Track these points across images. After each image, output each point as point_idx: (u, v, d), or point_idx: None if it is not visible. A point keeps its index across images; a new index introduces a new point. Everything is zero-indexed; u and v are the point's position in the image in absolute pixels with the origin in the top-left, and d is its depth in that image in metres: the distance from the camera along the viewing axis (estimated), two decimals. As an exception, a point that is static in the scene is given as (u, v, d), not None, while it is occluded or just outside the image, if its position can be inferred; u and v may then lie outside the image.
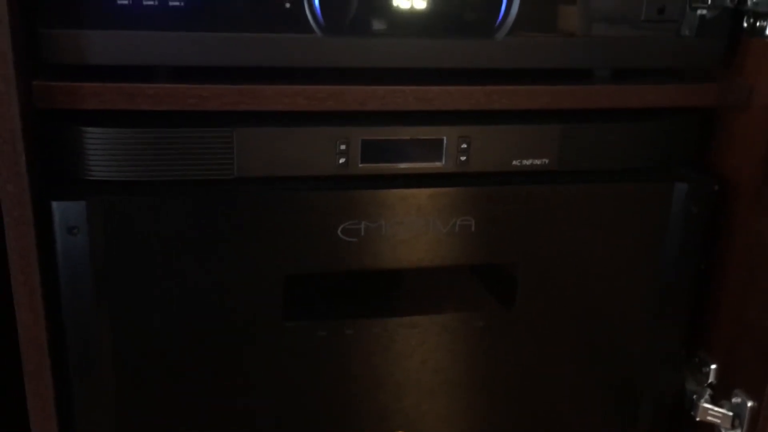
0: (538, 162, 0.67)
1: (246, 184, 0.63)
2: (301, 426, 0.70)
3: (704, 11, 0.67)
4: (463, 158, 0.65)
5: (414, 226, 0.66)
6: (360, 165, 0.64)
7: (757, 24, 0.66)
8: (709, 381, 0.75)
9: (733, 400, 0.71)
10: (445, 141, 0.65)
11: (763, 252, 0.68)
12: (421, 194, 0.65)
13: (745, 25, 0.68)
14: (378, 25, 0.62)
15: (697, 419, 0.74)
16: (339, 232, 0.64)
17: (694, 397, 0.75)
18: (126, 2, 0.57)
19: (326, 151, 0.63)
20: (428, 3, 0.62)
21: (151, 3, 0.57)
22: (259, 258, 0.64)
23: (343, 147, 0.63)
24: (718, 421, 0.72)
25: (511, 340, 0.72)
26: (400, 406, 0.72)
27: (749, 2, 0.65)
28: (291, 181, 0.63)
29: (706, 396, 0.75)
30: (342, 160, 0.64)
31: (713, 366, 0.75)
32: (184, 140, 0.60)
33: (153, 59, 0.59)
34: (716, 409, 0.73)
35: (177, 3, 0.58)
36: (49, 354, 0.61)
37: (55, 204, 0.59)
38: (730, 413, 0.72)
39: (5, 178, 0.55)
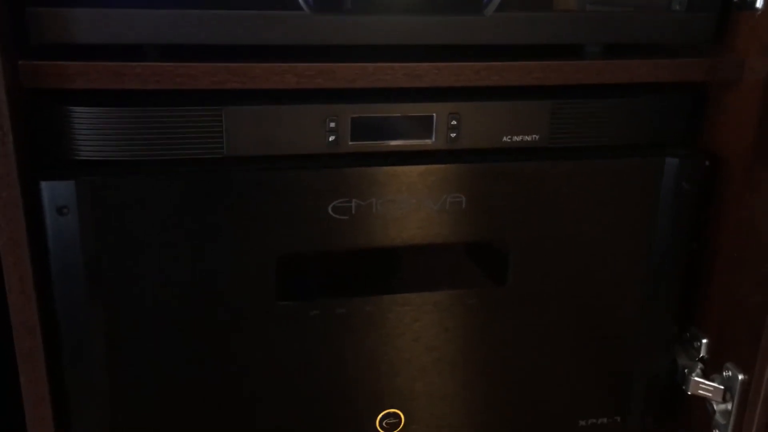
0: (528, 138, 0.67)
1: (236, 163, 0.63)
2: (294, 405, 0.71)
3: (694, -15, 0.67)
4: (453, 135, 0.65)
5: (405, 204, 0.66)
6: (350, 143, 0.64)
7: (747, -3, 0.66)
8: (701, 355, 0.76)
9: (724, 374, 0.72)
10: (434, 118, 0.65)
11: (753, 228, 0.68)
12: (412, 171, 0.65)
13: (736, -1, 0.68)
14: (367, 2, 0.61)
15: (689, 393, 0.75)
16: (330, 210, 0.64)
17: (686, 371, 0.75)
18: (112, -20, 0.57)
19: (316, 129, 0.63)
20: (417, -21, 0.61)
21: (138, -20, 0.57)
22: (251, 237, 0.64)
23: (332, 125, 0.63)
24: (710, 394, 0.73)
25: (503, 318, 0.72)
26: (393, 384, 0.72)
27: (739, -24, 0.65)
28: (281, 160, 0.63)
29: (698, 370, 0.75)
30: (332, 138, 0.64)
31: (704, 341, 0.76)
32: (173, 119, 0.60)
33: (141, 37, 0.59)
34: (707, 383, 0.73)
35: (164, -20, 0.58)
36: (42, 336, 0.61)
37: (44, 184, 0.58)
38: (722, 387, 0.72)
39: (-7, 159, 0.55)
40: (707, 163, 0.71)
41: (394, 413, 0.73)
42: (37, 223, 0.59)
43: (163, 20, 0.58)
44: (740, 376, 0.70)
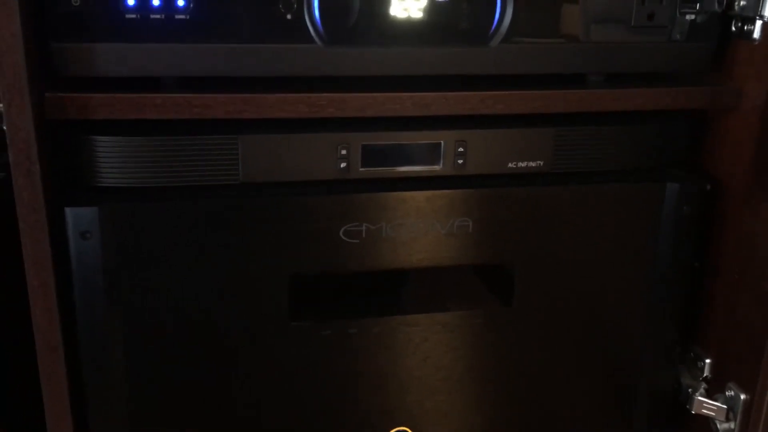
0: (532, 164, 0.69)
1: (251, 189, 0.65)
2: (306, 423, 0.72)
3: (693, 16, 0.69)
4: (460, 161, 0.67)
5: (413, 228, 0.68)
6: (360, 169, 0.66)
7: (745, 28, 0.68)
8: (704, 375, 0.77)
9: (727, 393, 0.73)
10: (442, 145, 0.67)
11: (753, 250, 0.70)
12: (420, 197, 0.67)
13: (734, 29, 0.70)
14: (376, 34, 0.64)
15: (693, 412, 0.76)
16: (341, 234, 0.66)
17: (690, 390, 0.77)
18: (134, 16, 0.59)
19: (328, 156, 0.65)
20: (425, 13, 0.64)
21: (158, 17, 0.60)
22: (265, 260, 0.66)
23: (344, 152, 0.65)
24: (713, 414, 0.74)
25: (510, 337, 0.74)
26: (402, 402, 0.74)
27: (736, 6, 0.67)
28: (294, 186, 0.66)
29: (701, 390, 0.76)
30: (343, 165, 0.66)
31: (708, 360, 0.77)
32: (190, 147, 0.63)
33: (160, 70, 0.61)
34: (711, 402, 0.74)
35: (182, 16, 0.60)
36: (64, 356, 0.63)
37: (68, 210, 0.61)
38: (725, 406, 0.73)
39: (21, 186, 0.58)
40: (708, 187, 0.73)
41: (403, 431, 0.75)
42: (61, 247, 0.62)
43: (180, 54, 0.61)
44: (742, 396, 0.71)
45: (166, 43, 0.61)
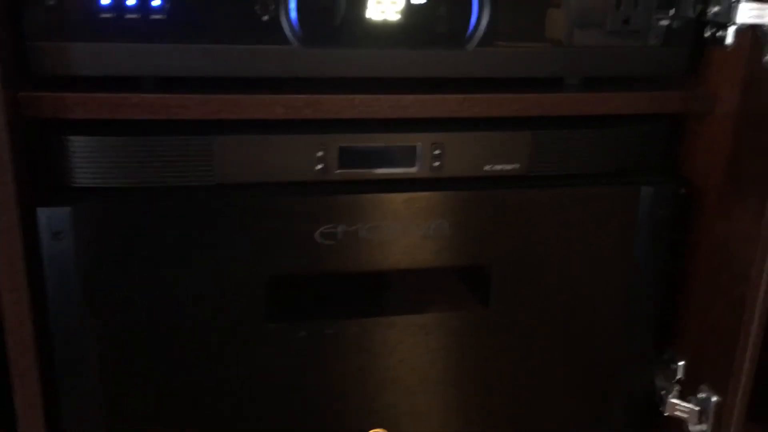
0: (509, 167, 0.69)
1: (226, 190, 0.65)
2: (282, 424, 0.72)
3: (668, 21, 0.69)
4: (436, 164, 0.68)
5: (390, 230, 0.68)
6: (337, 171, 0.66)
7: (717, 34, 0.68)
8: (678, 377, 0.78)
9: (699, 395, 0.74)
10: (419, 147, 0.67)
11: (727, 254, 0.71)
12: (397, 198, 0.67)
13: (707, 34, 0.71)
14: (353, 36, 0.64)
15: (666, 414, 0.77)
16: (317, 235, 0.66)
17: (663, 392, 0.77)
18: (110, 15, 0.59)
19: (304, 158, 0.65)
20: (402, 15, 0.64)
21: (134, 16, 0.59)
22: (241, 262, 0.66)
23: (320, 154, 0.65)
24: (686, 415, 0.75)
25: (487, 339, 0.74)
26: (378, 404, 0.74)
27: (709, 13, 0.68)
28: (270, 187, 0.65)
29: (675, 392, 0.77)
30: (320, 167, 0.66)
31: (681, 363, 0.78)
32: (166, 148, 0.62)
33: (136, 70, 0.61)
34: (684, 404, 0.75)
35: (159, 16, 0.60)
36: (37, 357, 0.62)
37: (40, 210, 0.60)
38: (697, 408, 0.74)
39: (-8, 186, 0.57)
40: (683, 191, 0.74)
41: (380, 433, 0.75)
42: (33, 248, 0.61)
43: (156, 54, 0.61)
44: (714, 398, 0.72)
45: (141, 43, 0.60)
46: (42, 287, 0.62)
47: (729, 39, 0.66)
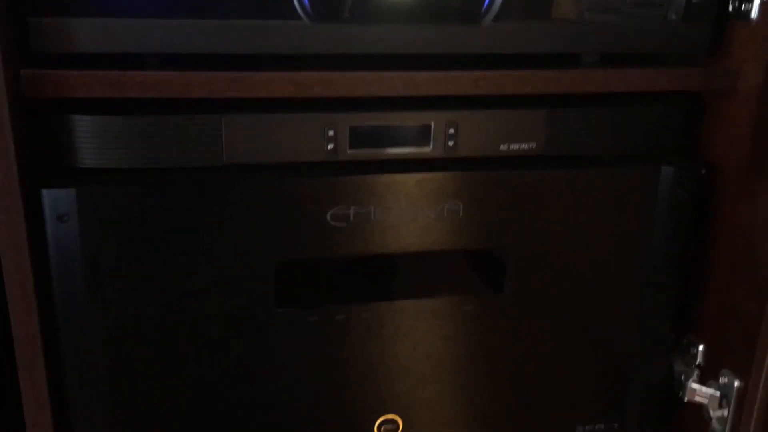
0: (525, 146, 0.68)
1: (235, 170, 0.63)
2: (293, 410, 0.71)
3: (689, -5, 0.67)
4: (450, 143, 0.66)
5: (403, 212, 0.66)
6: (348, 151, 0.65)
7: (742, 7, 0.66)
8: (697, 362, 0.76)
9: (721, 380, 0.72)
10: (432, 126, 0.65)
11: (749, 235, 0.69)
12: (410, 179, 0.66)
13: (731, 8, 0.68)
14: (365, 11, 0.62)
15: (686, 400, 0.75)
16: (328, 217, 0.65)
17: (683, 377, 0.76)
18: (114, -10, 0.58)
19: (315, 138, 0.64)
20: (415, -11, 0.62)
21: (139, -9, 0.58)
22: (250, 244, 0.64)
23: (331, 133, 0.64)
24: (706, 401, 0.73)
25: (501, 325, 0.72)
26: (391, 390, 0.73)
27: (734, -15, 0.66)
28: (280, 168, 0.64)
29: (694, 377, 0.76)
30: (330, 147, 0.64)
31: (701, 347, 0.76)
32: (172, 127, 0.61)
33: (141, 47, 0.60)
34: (704, 389, 0.74)
35: (164, -9, 0.58)
36: (43, 343, 0.61)
37: (45, 192, 0.59)
38: (718, 393, 0.72)
39: (-5, 167, 0.56)
40: (704, 171, 0.72)
41: (392, 419, 0.74)
42: (38, 230, 0.60)
43: (163, 30, 0.59)
44: (736, 383, 0.70)
45: (147, 19, 0.59)
46: (47, 271, 0.61)
47: (754, 13, 0.64)
